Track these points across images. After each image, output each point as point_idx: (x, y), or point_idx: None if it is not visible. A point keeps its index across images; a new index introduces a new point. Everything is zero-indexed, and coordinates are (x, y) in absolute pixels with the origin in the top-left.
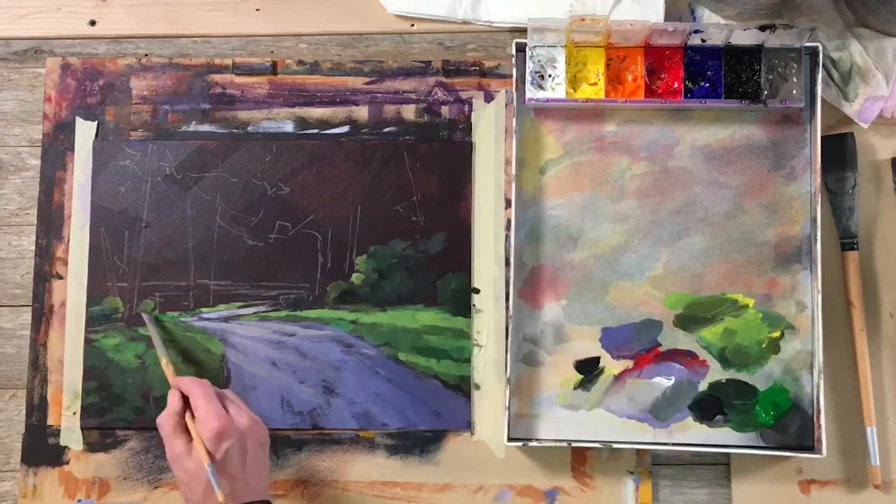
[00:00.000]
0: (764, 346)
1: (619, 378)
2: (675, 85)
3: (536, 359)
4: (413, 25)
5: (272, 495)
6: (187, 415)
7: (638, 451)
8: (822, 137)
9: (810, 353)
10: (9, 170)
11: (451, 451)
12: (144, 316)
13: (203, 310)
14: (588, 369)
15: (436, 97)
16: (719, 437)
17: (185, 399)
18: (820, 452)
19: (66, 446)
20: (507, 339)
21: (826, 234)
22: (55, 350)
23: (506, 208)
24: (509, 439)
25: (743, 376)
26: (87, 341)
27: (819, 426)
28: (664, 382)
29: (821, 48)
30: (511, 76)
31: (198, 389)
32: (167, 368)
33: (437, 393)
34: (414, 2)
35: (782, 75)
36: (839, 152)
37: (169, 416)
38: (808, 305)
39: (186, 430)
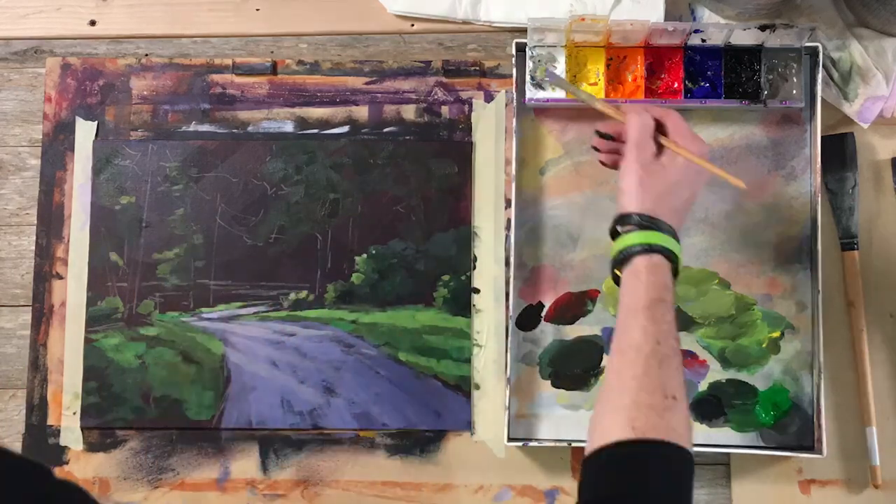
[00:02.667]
0: (764, 346)
1: None
2: (675, 85)
3: (536, 359)
4: (413, 25)
5: (271, 495)
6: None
7: None
8: (822, 137)
9: (810, 353)
10: (9, 170)
11: (451, 451)
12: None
13: (203, 310)
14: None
15: (436, 97)
16: (719, 437)
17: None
18: (820, 452)
19: (66, 446)
20: (507, 339)
21: (826, 234)
22: (55, 350)
23: (506, 208)
24: (509, 439)
25: (743, 376)
26: (87, 341)
27: (819, 426)
28: None
29: (821, 48)
30: (511, 76)
31: (676, 116)
32: (607, 108)
33: (437, 393)
34: (414, 2)
35: (782, 75)
36: (839, 152)
37: (647, 118)
38: (808, 305)
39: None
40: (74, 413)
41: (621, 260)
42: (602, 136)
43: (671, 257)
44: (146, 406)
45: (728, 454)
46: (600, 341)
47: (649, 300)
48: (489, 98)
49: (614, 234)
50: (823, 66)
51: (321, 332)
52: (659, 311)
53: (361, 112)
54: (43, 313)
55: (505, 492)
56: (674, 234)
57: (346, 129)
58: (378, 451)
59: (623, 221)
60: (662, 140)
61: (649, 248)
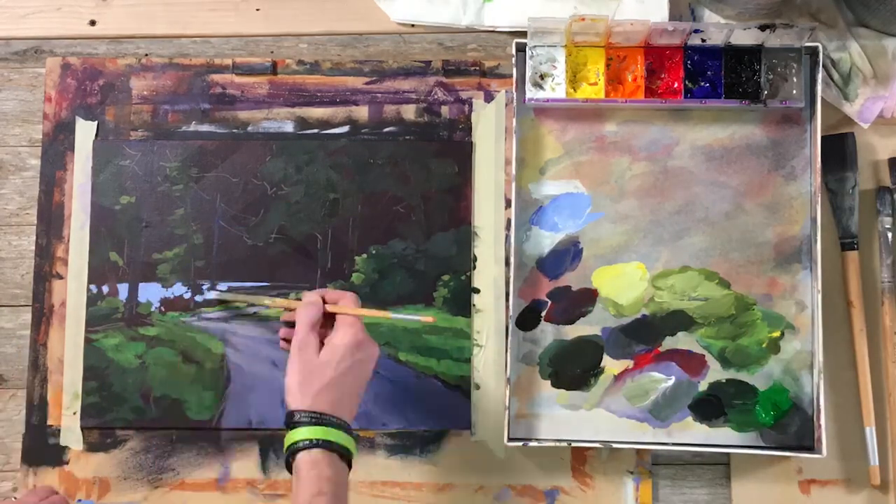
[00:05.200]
0: (764, 346)
1: (618, 378)
2: (675, 85)
3: (536, 359)
4: (413, 25)
5: (272, 494)
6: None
7: (638, 450)
8: (822, 137)
9: (810, 353)
10: (9, 170)
11: (451, 451)
12: (213, 295)
13: (203, 310)
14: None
15: (436, 97)
16: (719, 437)
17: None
18: (820, 452)
19: (66, 446)
20: (507, 339)
21: (826, 234)
22: (55, 350)
23: (506, 208)
24: (509, 439)
25: (743, 376)
26: (87, 341)
27: (819, 426)
28: (664, 382)
29: (821, 48)
30: (511, 76)
31: (348, 297)
32: (259, 300)
33: (437, 393)
34: (417, 10)
35: (782, 75)
36: (839, 152)
37: (311, 309)
38: (808, 305)
39: (319, 328)
40: (74, 413)
41: (288, 457)
42: (287, 324)
43: (339, 448)
44: (146, 406)
45: (728, 454)
46: (600, 341)
47: (308, 496)
48: (489, 98)
49: (292, 425)
50: (823, 66)
51: None
52: None
53: (361, 112)
54: (43, 313)
55: (505, 492)
56: (342, 426)
57: (346, 129)
58: (378, 451)
59: (290, 418)
60: (331, 308)
61: (310, 444)
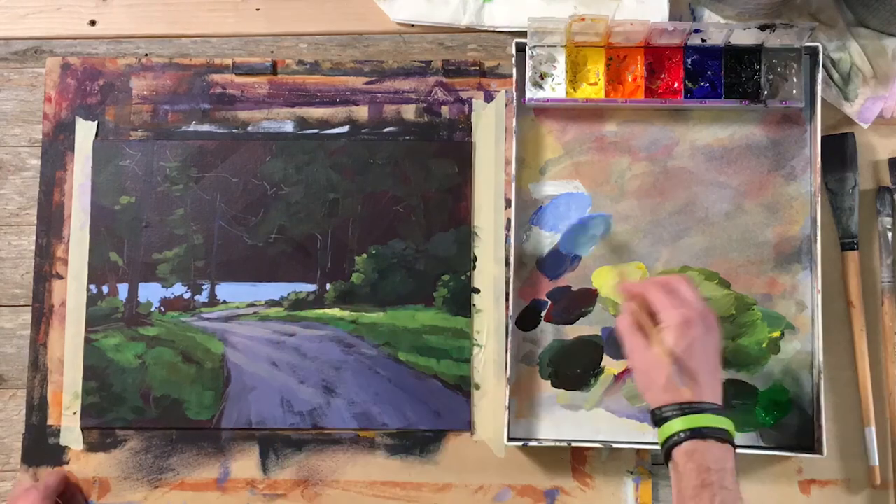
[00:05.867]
0: (764, 346)
1: (619, 378)
2: (675, 85)
3: (536, 359)
4: (413, 25)
5: (271, 495)
6: (644, 315)
7: (638, 450)
8: (822, 137)
9: (810, 353)
10: (9, 170)
11: (451, 451)
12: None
13: (203, 310)
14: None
15: (436, 97)
16: None
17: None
18: (820, 452)
19: (66, 446)
20: (507, 339)
21: (826, 234)
22: (55, 350)
23: (506, 208)
24: (509, 439)
25: (743, 376)
26: (87, 341)
27: (819, 426)
28: None
29: (821, 48)
30: (511, 76)
31: (651, 286)
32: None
33: (437, 393)
34: (417, 10)
35: (782, 75)
36: (839, 152)
37: (626, 316)
38: (808, 305)
39: (642, 327)
40: (74, 413)
41: (665, 452)
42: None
43: (713, 433)
44: (146, 406)
45: None
46: (600, 341)
47: (691, 490)
48: (489, 98)
49: (658, 423)
50: (823, 66)
51: (321, 332)
52: (704, 497)
53: (361, 112)
54: (43, 313)
55: (505, 492)
56: (709, 409)
57: (346, 129)
58: (378, 451)
59: (653, 417)
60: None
61: (680, 437)
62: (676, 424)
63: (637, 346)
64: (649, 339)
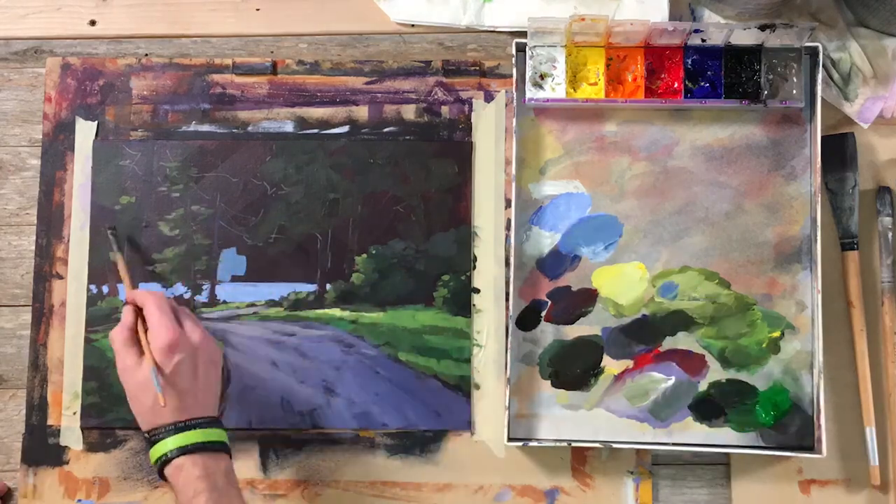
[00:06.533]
0: (764, 346)
1: (618, 378)
2: (675, 85)
3: (536, 359)
4: (413, 25)
5: (271, 495)
6: (140, 327)
7: (638, 451)
8: (822, 137)
9: (810, 353)
10: (9, 170)
11: (451, 451)
12: (109, 233)
13: (203, 310)
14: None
15: (436, 97)
16: (719, 437)
17: (139, 313)
18: (820, 452)
19: (66, 446)
20: (507, 339)
21: (826, 234)
22: (55, 350)
23: (506, 208)
24: (509, 439)
25: (743, 376)
26: (87, 341)
27: (819, 426)
28: (664, 382)
29: (821, 48)
30: (511, 76)
31: (152, 301)
32: (125, 279)
33: (437, 393)
34: (417, 10)
35: (782, 75)
36: (839, 152)
37: (121, 330)
38: (808, 305)
39: (138, 344)
40: (74, 413)
41: (160, 471)
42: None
43: (195, 447)
44: None
45: (728, 454)
46: (600, 341)
47: (188, 502)
48: (489, 98)
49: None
50: (823, 66)
51: (321, 332)
52: (199, 503)
53: (361, 112)
54: (43, 313)
55: (505, 492)
56: (194, 426)
57: (346, 129)
58: (378, 451)
59: (146, 441)
60: (142, 339)
61: (167, 458)
62: (165, 445)
63: (127, 365)
64: (142, 357)
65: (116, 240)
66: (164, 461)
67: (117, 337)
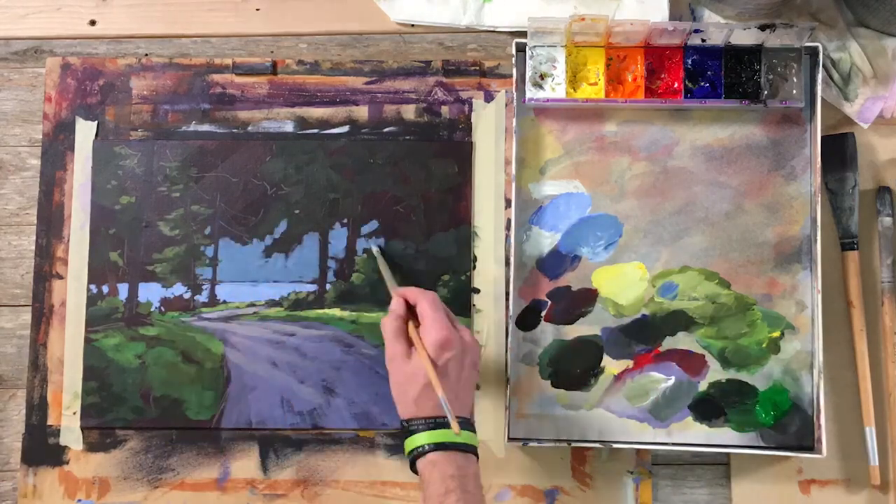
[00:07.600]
0: (764, 346)
1: (618, 378)
2: (675, 85)
3: (536, 359)
4: (413, 25)
5: (271, 495)
6: (410, 322)
7: (638, 451)
8: (822, 137)
9: (810, 353)
10: (9, 170)
11: None
12: (373, 248)
13: (203, 310)
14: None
15: (436, 97)
16: (719, 437)
17: (409, 308)
18: (820, 452)
19: (66, 446)
20: (507, 339)
21: (826, 234)
22: (55, 350)
23: (506, 208)
24: (509, 439)
25: (743, 376)
26: (87, 341)
27: (819, 426)
28: (664, 382)
29: (821, 48)
30: (511, 76)
31: (426, 299)
32: (390, 281)
33: None
34: (417, 10)
35: (782, 75)
36: (839, 152)
37: (393, 320)
38: (808, 305)
39: (407, 335)
40: (74, 413)
41: (411, 462)
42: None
43: (454, 446)
44: (146, 406)
45: (728, 454)
46: (600, 341)
47: (437, 498)
48: (489, 98)
49: (406, 434)
50: (823, 66)
51: (321, 332)
52: (448, 502)
53: (361, 112)
54: (43, 313)
55: (505, 492)
56: (462, 424)
57: (346, 129)
58: (378, 451)
59: (402, 427)
60: (412, 334)
61: (424, 450)
62: (421, 438)
63: (397, 354)
64: (412, 349)
65: (382, 254)
66: (418, 454)
67: (388, 326)
